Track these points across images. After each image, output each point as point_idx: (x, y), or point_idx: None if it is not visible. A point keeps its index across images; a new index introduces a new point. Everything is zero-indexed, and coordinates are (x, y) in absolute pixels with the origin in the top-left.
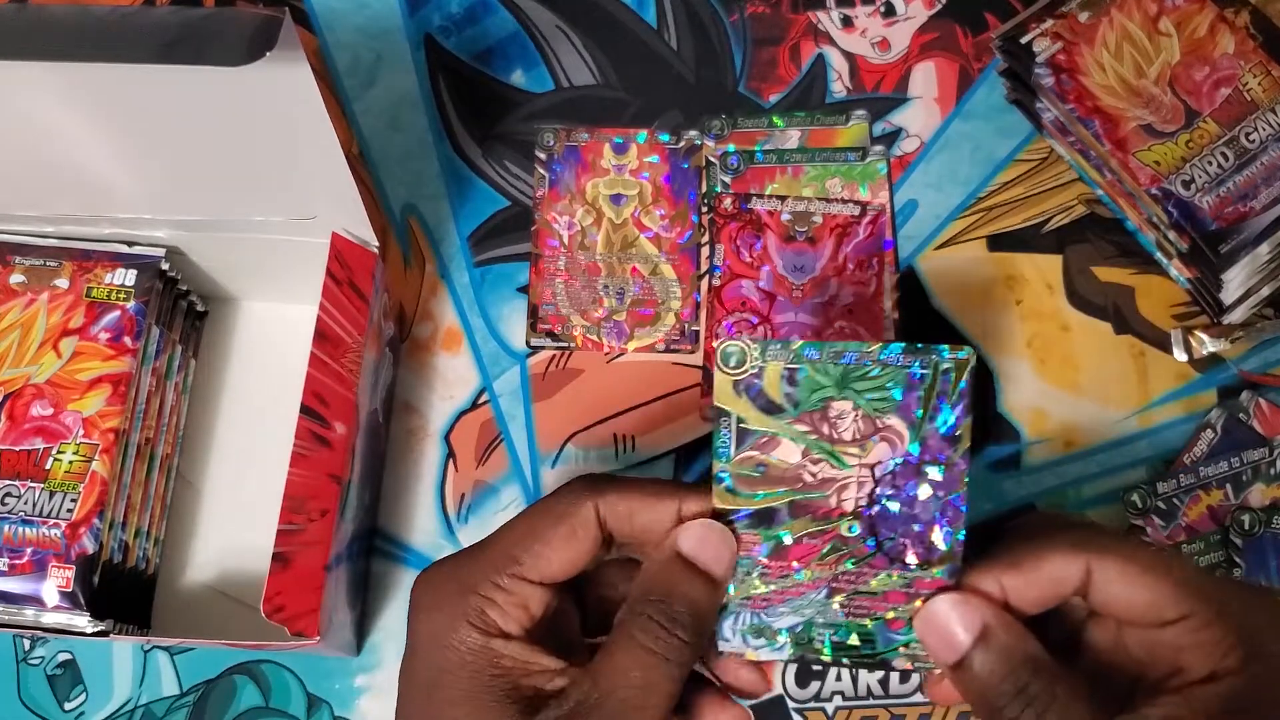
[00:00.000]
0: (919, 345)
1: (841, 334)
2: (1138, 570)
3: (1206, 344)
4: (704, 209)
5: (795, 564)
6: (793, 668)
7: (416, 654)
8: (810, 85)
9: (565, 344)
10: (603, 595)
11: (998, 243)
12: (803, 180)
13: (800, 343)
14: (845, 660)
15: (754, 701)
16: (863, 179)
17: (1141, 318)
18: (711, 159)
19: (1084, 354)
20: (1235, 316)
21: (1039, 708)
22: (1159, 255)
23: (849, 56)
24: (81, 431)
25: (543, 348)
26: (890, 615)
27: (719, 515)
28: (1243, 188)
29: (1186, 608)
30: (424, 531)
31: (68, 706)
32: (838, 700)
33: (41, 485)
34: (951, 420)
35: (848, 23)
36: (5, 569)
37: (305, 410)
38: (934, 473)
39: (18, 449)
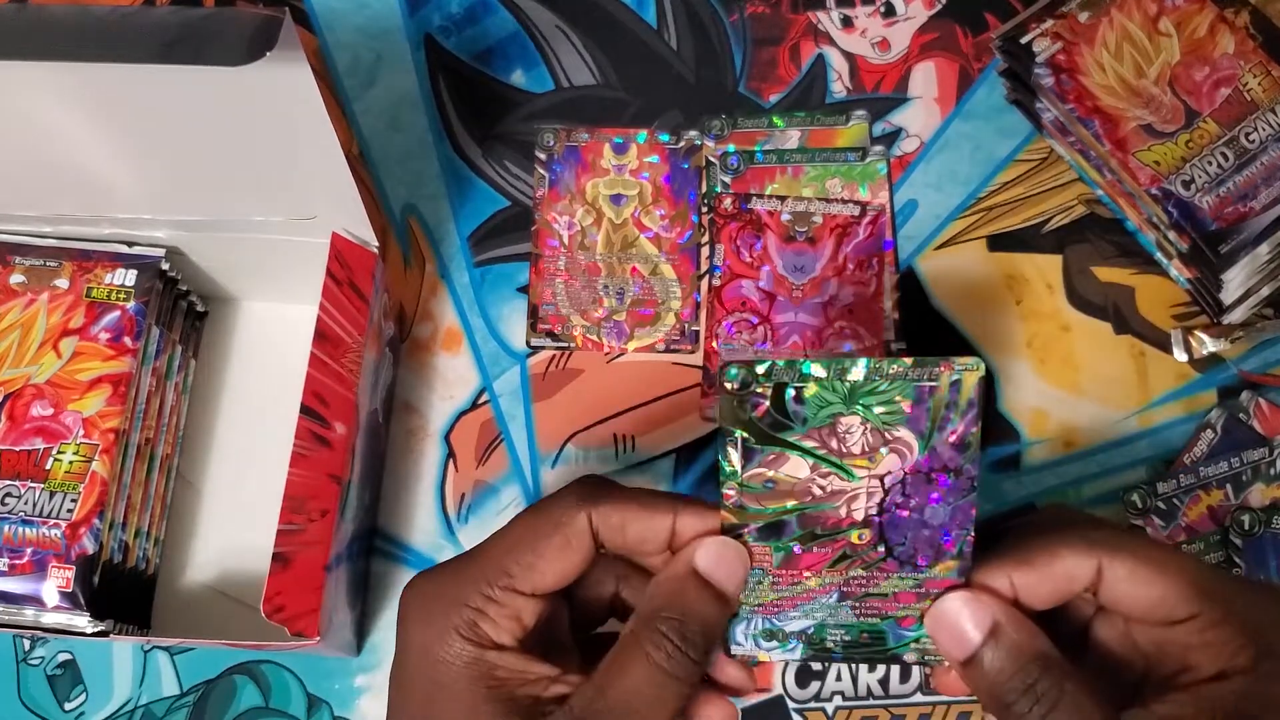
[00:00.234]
0: (928, 358)
1: (841, 334)
2: (1148, 569)
3: (1206, 344)
4: (704, 209)
5: (806, 572)
6: (793, 667)
7: (408, 665)
8: (810, 85)
9: (565, 344)
10: (589, 593)
11: (998, 243)
12: (803, 180)
13: (806, 361)
14: (856, 657)
15: (753, 702)
16: (863, 179)
17: (1141, 318)
18: (711, 159)
19: (1084, 354)
20: (1235, 316)
21: (1048, 704)
22: (1159, 255)
23: (849, 56)
24: (81, 431)
25: (543, 348)
26: (901, 614)
27: (728, 530)
28: (1243, 188)
29: (1196, 607)
30: (424, 531)
31: (68, 707)
32: (838, 700)
33: (41, 485)
34: (961, 429)
35: (848, 23)
36: (5, 569)
37: (305, 410)
38: (944, 480)
39: (18, 449)
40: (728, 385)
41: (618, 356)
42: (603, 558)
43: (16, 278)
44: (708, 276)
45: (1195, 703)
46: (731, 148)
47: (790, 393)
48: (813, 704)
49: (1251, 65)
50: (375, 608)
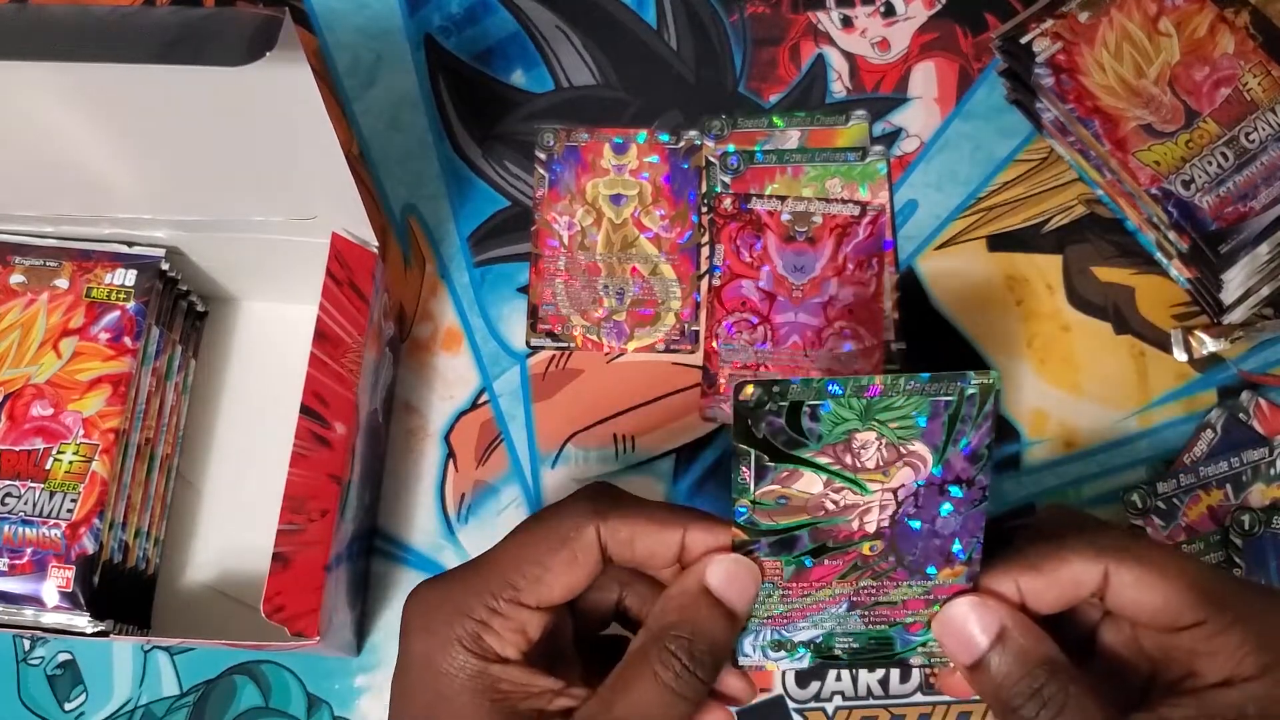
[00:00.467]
0: (944, 373)
1: (841, 334)
2: (1154, 575)
3: (1206, 344)
4: (704, 209)
5: (816, 584)
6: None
7: (410, 676)
8: (810, 85)
9: (565, 344)
10: (593, 601)
11: (998, 243)
12: (803, 180)
13: (822, 379)
14: (863, 662)
15: (753, 702)
16: (863, 179)
17: (1141, 318)
18: (711, 159)
19: (1084, 354)
20: (1235, 316)
21: (1054, 708)
22: (1159, 255)
23: (849, 56)
24: (81, 431)
25: (543, 348)
26: (909, 620)
27: (739, 546)
28: (1243, 188)
29: (1203, 613)
30: (424, 531)
31: (68, 707)
32: (838, 700)
33: (41, 485)
34: (975, 441)
35: (848, 23)
36: (5, 569)
37: (305, 410)
38: (956, 491)
39: (18, 449)
40: (741, 403)
41: (618, 356)
42: (608, 566)
43: (16, 278)
44: (708, 276)
45: (1201, 708)
46: (731, 148)
47: (807, 410)
48: (813, 704)
49: (1251, 65)
50: (375, 608)
